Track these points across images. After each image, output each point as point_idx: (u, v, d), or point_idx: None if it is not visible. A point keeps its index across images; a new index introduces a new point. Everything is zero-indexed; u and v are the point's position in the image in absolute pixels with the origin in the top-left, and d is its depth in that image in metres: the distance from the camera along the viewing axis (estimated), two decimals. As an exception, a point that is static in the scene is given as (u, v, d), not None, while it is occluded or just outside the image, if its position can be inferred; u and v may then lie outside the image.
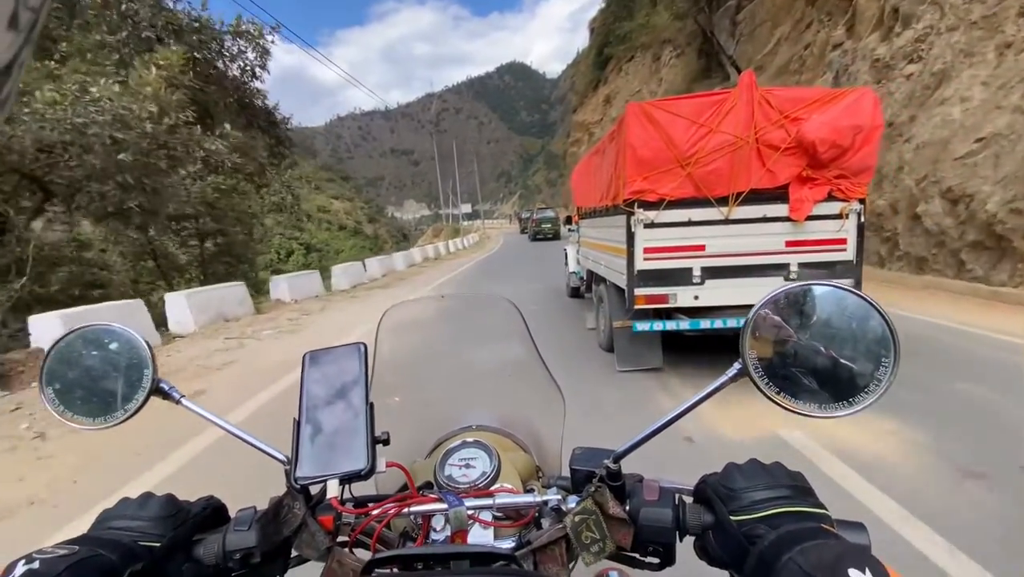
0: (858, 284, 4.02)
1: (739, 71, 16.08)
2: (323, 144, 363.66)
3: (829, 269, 4.02)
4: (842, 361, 0.50)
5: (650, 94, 27.96)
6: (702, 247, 4.02)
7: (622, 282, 4.34)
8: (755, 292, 3.70)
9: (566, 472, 0.67)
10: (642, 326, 4.22)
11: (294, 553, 0.61)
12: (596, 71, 39.34)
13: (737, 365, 0.52)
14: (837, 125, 3.73)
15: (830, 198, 3.92)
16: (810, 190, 3.91)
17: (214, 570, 0.56)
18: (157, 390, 0.65)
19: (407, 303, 1.10)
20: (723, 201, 3.94)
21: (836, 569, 0.38)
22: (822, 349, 0.51)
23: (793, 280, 3.95)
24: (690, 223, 4.00)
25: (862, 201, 3.94)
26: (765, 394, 0.51)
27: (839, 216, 3.95)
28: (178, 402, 0.66)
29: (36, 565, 0.41)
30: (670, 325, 4.20)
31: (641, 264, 4.06)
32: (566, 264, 8.65)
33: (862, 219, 3.97)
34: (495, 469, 0.74)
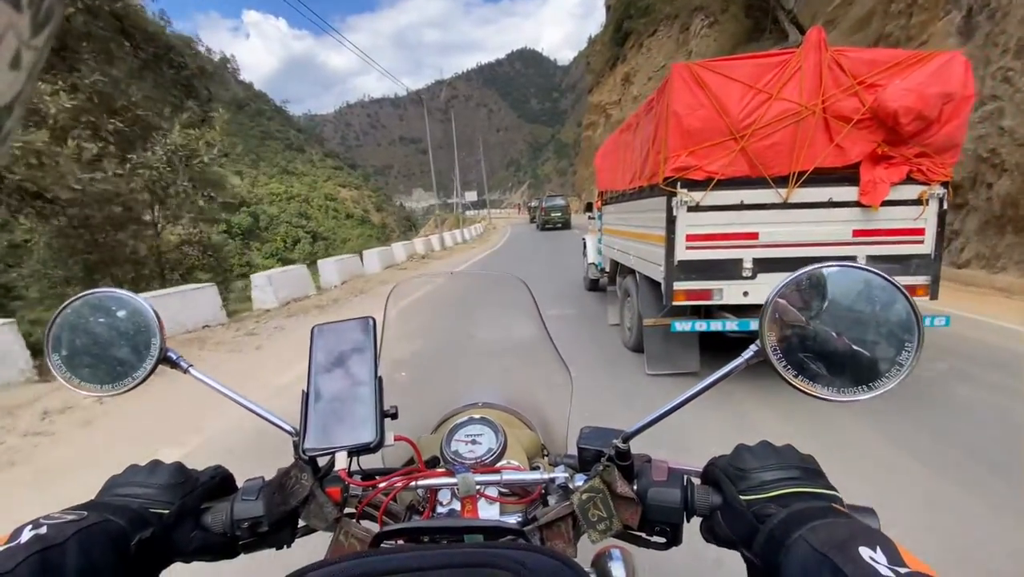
0: (935, 282, 3.46)
1: (802, 30, 13.72)
2: (332, 132, 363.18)
3: (903, 264, 3.44)
4: (863, 344, 0.49)
5: (677, 70, 25.23)
6: (755, 235, 3.44)
7: (657, 275, 3.78)
8: None
9: (572, 451, 0.67)
10: (682, 326, 3.66)
11: (301, 523, 0.61)
12: (614, 48, 36.61)
13: (754, 347, 0.51)
14: (923, 92, 3.12)
15: (908, 180, 3.33)
16: (885, 170, 3.32)
17: (222, 538, 0.56)
18: (165, 359, 0.64)
19: (415, 279, 1.11)
20: (782, 181, 3.36)
21: (847, 547, 0.37)
22: (843, 332, 0.49)
23: None
24: (742, 206, 3.42)
25: (945, 185, 3.35)
26: (783, 377, 0.49)
27: (918, 201, 3.36)
28: (186, 371, 0.65)
29: (43, 530, 0.41)
30: (715, 325, 3.63)
31: (682, 254, 3.50)
32: (584, 254, 8.11)
33: (944, 206, 3.39)
34: (501, 446, 0.74)
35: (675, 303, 3.56)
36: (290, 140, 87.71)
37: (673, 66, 3.37)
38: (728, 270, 3.48)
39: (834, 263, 0.50)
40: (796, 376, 0.49)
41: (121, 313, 0.65)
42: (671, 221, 3.47)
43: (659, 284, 3.77)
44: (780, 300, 0.50)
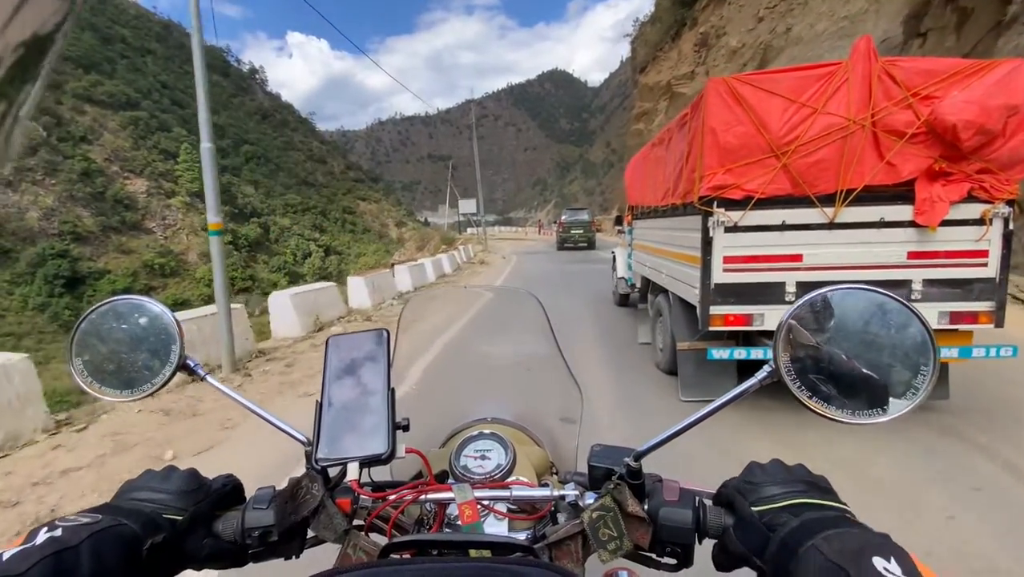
0: (1001, 308, 3.17)
1: None
2: (363, 147, 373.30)
3: (964, 288, 3.17)
4: (879, 367, 0.48)
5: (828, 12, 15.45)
6: (799, 257, 3.24)
7: (692, 297, 3.59)
8: None
9: (582, 468, 0.65)
10: (719, 353, 3.45)
11: (311, 534, 0.60)
12: (677, 12, 27.25)
13: (768, 368, 0.51)
14: (985, 104, 2.89)
15: (970, 198, 3.08)
16: (943, 188, 3.08)
17: (232, 546, 0.56)
18: (183, 366, 0.65)
19: (429, 292, 1.45)
20: (828, 200, 3.15)
21: (860, 557, 0.36)
22: (858, 355, 0.49)
23: (916, 301, 3.13)
24: (784, 227, 3.23)
25: (1011, 203, 3.09)
26: (797, 398, 0.49)
27: (981, 221, 3.11)
28: (203, 379, 0.66)
29: (59, 532, 0.42)
30: (755, 353, 3.41)
31: (719, 277, 3.31)
32: (614, 269, 7.96)
33: (1010, 226, 3.12)
34: (510, 461, 0.73)
35: (711, 328, 3.37)
36: (312, 151, 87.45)
37: (708, 82, 3.23)
38: (769, 294, 3.27)
39: (848, 285, 0.50)
40: (810, 397, 0.49)
41: (142, 320, 0.66)
42: (707, 242, 3.30)
43: (694, 307, 3.58)
44: (794, 321, 0.50)
